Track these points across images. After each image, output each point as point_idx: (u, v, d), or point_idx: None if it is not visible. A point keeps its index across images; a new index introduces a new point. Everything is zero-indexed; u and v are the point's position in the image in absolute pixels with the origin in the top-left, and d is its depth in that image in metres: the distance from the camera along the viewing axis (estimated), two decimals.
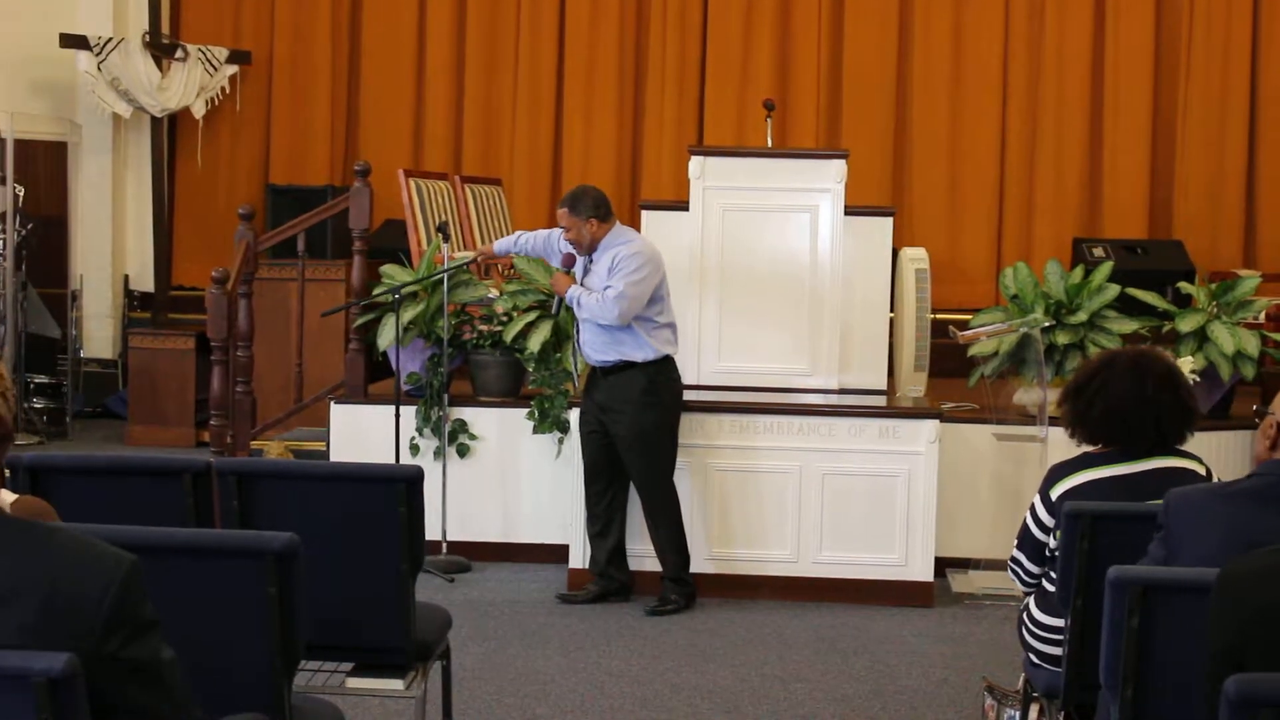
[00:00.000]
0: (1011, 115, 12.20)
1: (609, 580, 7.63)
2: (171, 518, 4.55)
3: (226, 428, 8.96)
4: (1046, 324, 8.05)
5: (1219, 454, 8.05)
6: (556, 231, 7.59)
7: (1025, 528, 4.77)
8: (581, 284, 7.41)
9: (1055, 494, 4.65)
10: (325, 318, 9.22)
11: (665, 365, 7.43)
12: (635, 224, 8.66)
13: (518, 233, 8.10)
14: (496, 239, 9.14)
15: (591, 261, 7.43)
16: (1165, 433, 4.62)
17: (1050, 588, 4.66)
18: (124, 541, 3.03)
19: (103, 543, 2.78)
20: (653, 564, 7.58)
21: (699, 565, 7.67)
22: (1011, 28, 12.19)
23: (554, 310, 7.93)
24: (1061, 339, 8.10)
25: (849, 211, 8.20)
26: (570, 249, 7.45)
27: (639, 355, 7.34)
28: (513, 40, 12.60)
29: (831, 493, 7.72)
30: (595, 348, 7.40)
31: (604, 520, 7.61)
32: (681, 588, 7.52)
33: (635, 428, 7.39)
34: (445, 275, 8.10)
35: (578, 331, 7.59)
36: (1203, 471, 4.65)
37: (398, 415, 8.05)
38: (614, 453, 7.51)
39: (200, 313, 9.89)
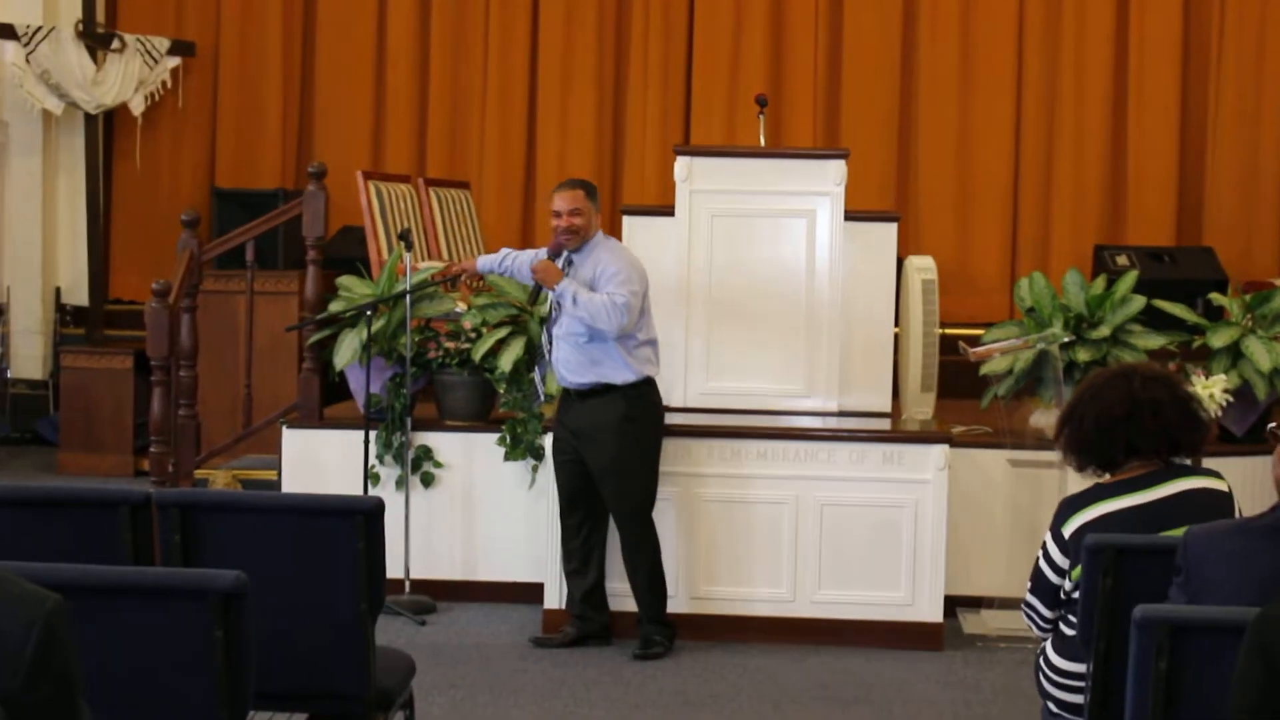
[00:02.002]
0: (1026, 111, 12.22)
1: (587, 622, 7.61)
2: (107, 554, 4.54)
3: (168, 455, 8.94)
4: (1066, 339, 8.07)
5: (1255, 480, 8.06)
6: (543, 251, 7.57)
7: (1037, 569, 4.77)
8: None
9: (1068, 531, 4.65)
10: (288, 333, 9.21)
11: (646, 388, 7.41)
12: (617, 231, 8.66)
13: (504, 250, 7.97)
14: (479, 253, 9.20)
15: (571, 264, 7.41)
16: (1175, 440, 4.63)
17: (1069, 630, 4.67)
18: (56, 581, 3.03)
19: (23, 581, 2.78)
20: (634, 603, 7.56)
21: (684, 605, 7.67)
22: (1026, 15, 12.21)
23: (531, 299, 7.69)
24: (1082, 356, 8.12)
25: (849, 217, 8.21)
26: (564, 238, 7.37)
27: (618, 377, 7.31)
28: (481, 30, 12.60)
29: (831, 525, 7.72)
30: (571, 368, 7.36)
31: (581, 556, 7.59)
32: (665, 629, 7.52)
33: (613, 457, 7.36)
34: (412, 288, 8.12)
35: (548, 348, 7.50)
36: (1225, 489, 4.66)
37: (367, 440, 8.06)
38: (591, 482, 7.48)
39: (139, 329, 9.85)
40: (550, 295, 7.43)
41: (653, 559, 7.49)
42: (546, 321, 7.55)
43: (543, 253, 7.50)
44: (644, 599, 7.50)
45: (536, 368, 7.90)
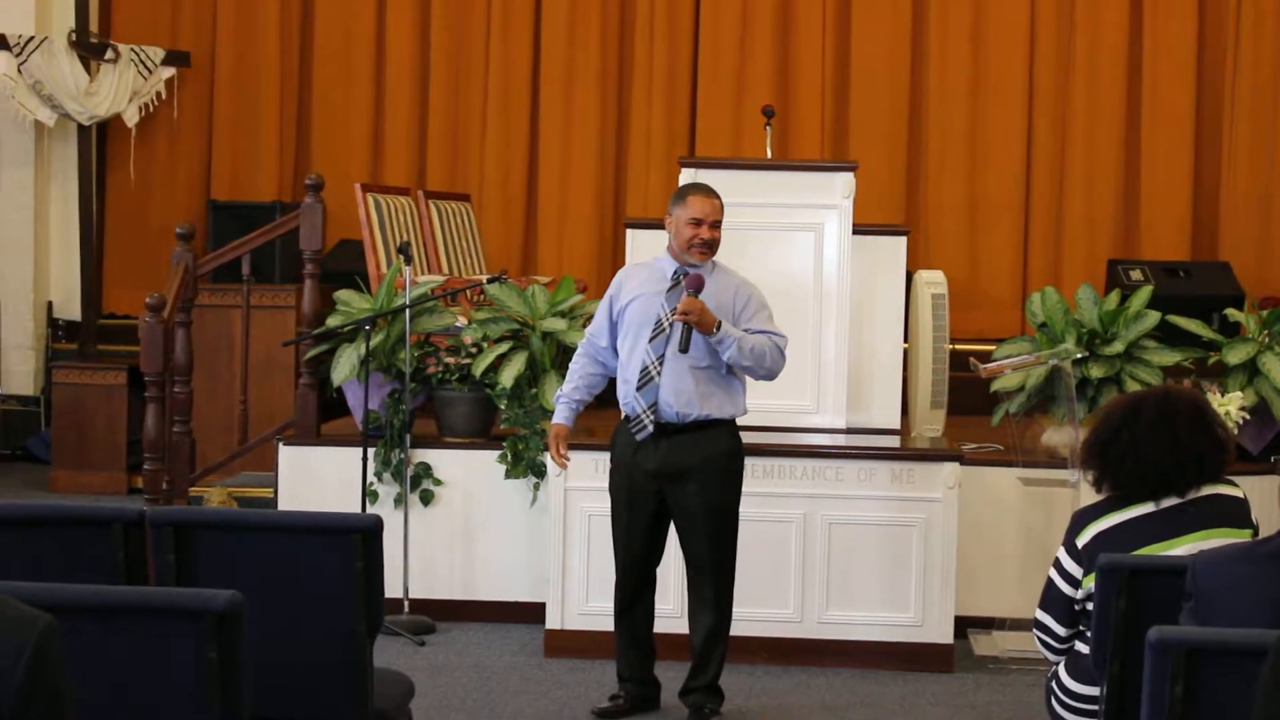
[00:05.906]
0: (1038, 123, 12.21)
1: (649, 686, 6.99)
2: (100, 574, 4.55)
3: (162, 472, 8.94)
4: (1078, 355, 8.06)
5: (1270, 500, 8.05)
6: (589, 342, 6.82)
7: (1050, 585, 4.77)
8: (674, 310, 6.43)
9: (1082, 541, 4.65)
10: (285, 348, 9.21)
11: (737, 425, 6.81)
12: (620, 244, 8.66)
13: (564, 391, 6.90)
14: (480, 267, 9.07)
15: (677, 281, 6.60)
16: (1207, 472, 4.65)
17: (1083, 649, 4.66)
18: (46, 600, 3.03)
19: (13, 601, 2.78)
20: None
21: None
22: (1038, 25, 12.20)
23: (682, 347, 6.36)
24: (1095, 372, 8.12)
25: (858, 230, 8.21)
26: (702, 252, 6.60)
27: (728, 411, 6.60)
28: (483, 40, 12.59)
29: (839, 544, 7.70)
30: (681, 397, 6.47)
31: (647, 622, 6.90)
32: (718, 697, 6.89)
33: (720, 497, 6.62)
34: (412, 302, 8.11)
35: (658, 371, 6.50)
36: (1241, 495, 4.67)
37: (365, 457, 8.05)
38: (659, 540, 6.81)
39: (133, 344, 9.87)
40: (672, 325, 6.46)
41: (729, 623, 6.83)
42: (653, 339, 6.54)
43: (592, 343, 6.80)
44: (710, 664, 6.81)
45: (639, 395, 6.51)
